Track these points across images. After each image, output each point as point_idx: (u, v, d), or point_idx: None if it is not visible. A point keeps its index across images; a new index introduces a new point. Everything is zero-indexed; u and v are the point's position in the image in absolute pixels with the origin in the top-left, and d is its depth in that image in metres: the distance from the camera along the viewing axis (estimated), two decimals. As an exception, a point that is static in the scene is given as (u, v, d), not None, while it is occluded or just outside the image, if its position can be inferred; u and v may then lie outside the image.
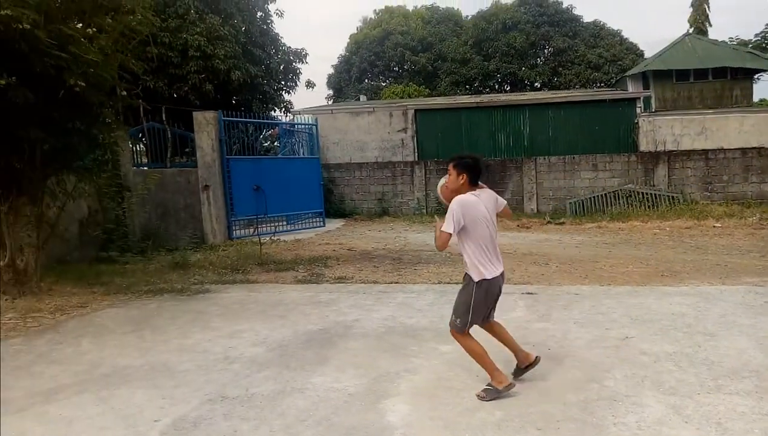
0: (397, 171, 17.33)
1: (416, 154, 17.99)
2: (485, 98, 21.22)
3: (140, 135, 12.07)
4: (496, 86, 35.20)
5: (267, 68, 18.31)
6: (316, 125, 15.29)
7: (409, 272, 8.22)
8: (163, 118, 12.00)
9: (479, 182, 3.80)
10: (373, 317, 5.82)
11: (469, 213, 3.61)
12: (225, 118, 11.95)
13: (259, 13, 18.32)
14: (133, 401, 3.86)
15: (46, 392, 4.05)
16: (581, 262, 8.63)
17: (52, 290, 6.86)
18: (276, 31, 19.23)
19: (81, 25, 6.29)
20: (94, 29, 6.27)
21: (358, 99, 28.30)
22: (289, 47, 19.54)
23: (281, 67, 19.30)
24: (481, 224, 3.67)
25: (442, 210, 14.20)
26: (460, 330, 3.80)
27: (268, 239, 10.83)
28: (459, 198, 3.65)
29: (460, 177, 3.70)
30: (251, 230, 11.88)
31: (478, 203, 3.67)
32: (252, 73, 16.97)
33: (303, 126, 15.76)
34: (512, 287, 7.02)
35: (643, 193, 15.36)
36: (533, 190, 16.46)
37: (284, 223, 13.66)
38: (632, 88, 25.15)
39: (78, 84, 5.91)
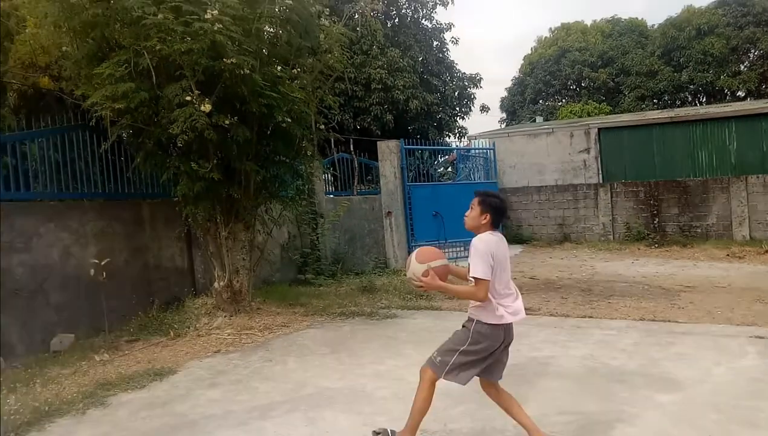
0: (579, 194, 16.34)
1: (600, 175, 16.80)
2: (680, 112, 19.17)
3: (330, 165, 12.96)
4: (690, 98, 31.74)
5: (442, 95, 18.68)
6: (493, 149, 15.10)
7: (602, 306, 7.56)
8: (351, 148, 12.78)
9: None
10: (570, 354, 5.39)
11: (493, 251, 3.25)
12: (406, 147, 12.33)
13: (435, 43, 18.83)
14: (337, 424, 3.98)
15: (262, 408, 4.37)
16: (823, 301, 7.20)
17: (260, 308, 7.53)
18: (451, 59, 19.61)
19: (280, 67, 6.91)
20: (298, 69, 6.86)
21: (534, 120, 27.51)
22: (464, 73, 19.77)
23: (456, 93, 19.58)
24: (504, 266, 3.31)
25: (631, 236, 12.78)
26: (435, 369, 3.34)
27: (447, 264, 10.85)
28: (481, 236, 3.30)
29: (483, 216, 3.35)
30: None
31: (499, 242, 3.33)
32: (428, 101, 17.43)
33: (478, 150, 15.65)
34: (734, 328, 6.08)
35: None
36: (744, 213, 14.32)
37: (461, 248, 13.57)
38: None
39: (285, 120, 6.49)
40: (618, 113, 27.33)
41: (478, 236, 3.32)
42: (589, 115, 27.19)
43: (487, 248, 3.22)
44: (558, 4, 63.19)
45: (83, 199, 7.11)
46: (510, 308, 3.33)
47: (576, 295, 8.41)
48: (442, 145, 16.80)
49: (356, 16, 7.89)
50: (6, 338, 5.82)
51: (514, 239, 16.32)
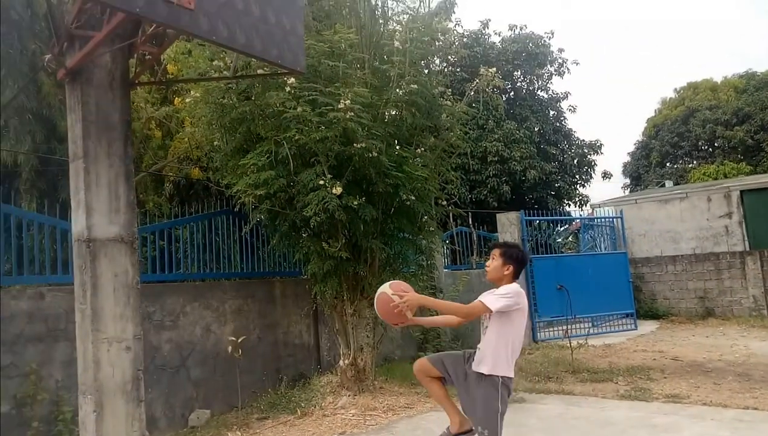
0: (723, 264, 14.85)
1: (746, 242, 15.21)
2: (839, 170, 17.10)
3: (449, 239, 13.00)
4: None
5: (561, 164, 18.26)
6: (621, 217, 14.31)
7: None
8: (469, 222, 12.77)
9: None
10: (737, 455, 4.72)
11: (520, 304, 3.43)
12: (526, 218, 12.07)
13: (552, 113, 18.66)
14: None
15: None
16: None
17: (383, 388, 7.46)
18: (569, 127, 19.24)
19: (400, 147, 7.13)
20: (422, 148, 7.07)
21: (663, 185, 25.86)
22: (583, 140, 19.25)
23: (575, 160, 19.04)
24: (524, 320, 3.51)
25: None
26: None
27: (575, 342, 10.17)
28: (518, 287, 3.45)
29: (506, 267, 3.53)
30: (562, 333, 11.34)
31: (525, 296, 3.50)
32: (546, 171, 17.09)
33: (603, 219, 14.92)
34: None
35: None
36: None
37: (589, 324, 12.73)
38: None
39: (409, 198, 6.66)
40: (761, 173, 24.96)
41: (517, 286, 3.45)
42: (725, 176, 25.09)
43: (516, 298, 3.38)
44: (679, 65, 60.60)
45: (222, 279, 7.66)
46: (510, 364, 3.48)
47: (731, 380, 7.46)
48: (563, 215, 16.23)
49: (472, 93, 8.06)
50: (151, 411, 6.23)
51: (647, 314, 15.06)
